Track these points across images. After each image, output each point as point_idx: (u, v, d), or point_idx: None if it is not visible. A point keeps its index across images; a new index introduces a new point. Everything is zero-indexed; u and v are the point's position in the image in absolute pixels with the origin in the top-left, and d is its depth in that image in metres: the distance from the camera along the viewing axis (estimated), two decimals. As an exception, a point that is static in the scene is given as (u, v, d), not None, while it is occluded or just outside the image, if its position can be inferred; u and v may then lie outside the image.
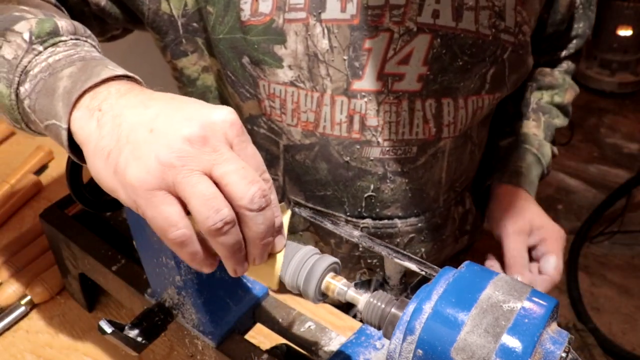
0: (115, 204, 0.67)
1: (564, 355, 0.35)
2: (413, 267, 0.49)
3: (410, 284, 0.72)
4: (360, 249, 0.80)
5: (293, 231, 0.83)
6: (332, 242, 0.81)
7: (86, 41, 0.54)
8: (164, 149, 0.39)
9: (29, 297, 0.81)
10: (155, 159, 0.39)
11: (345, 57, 0.67)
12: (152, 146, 0.39)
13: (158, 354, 0.74)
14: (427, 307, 0.37)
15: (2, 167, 1.04)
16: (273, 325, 0.61)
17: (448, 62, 0.69)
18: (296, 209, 0.56)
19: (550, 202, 2.51)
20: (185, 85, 0.79)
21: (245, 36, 0.67)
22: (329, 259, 0.46)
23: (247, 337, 0.61)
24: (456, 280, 0.39)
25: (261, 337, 0.68)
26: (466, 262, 0.41)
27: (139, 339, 0.55)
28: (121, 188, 0.40)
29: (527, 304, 0.36)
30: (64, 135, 0.45)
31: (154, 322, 0.58)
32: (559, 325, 0.38)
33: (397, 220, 0.79)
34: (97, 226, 0.73)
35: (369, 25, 0.66)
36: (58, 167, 1.06)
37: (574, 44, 0.91)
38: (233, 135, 0.41)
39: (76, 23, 0.55)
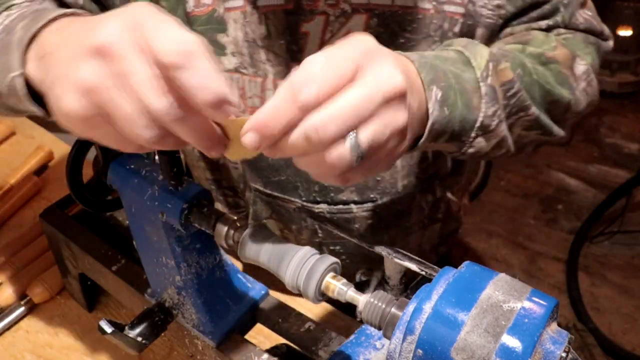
0: (115, 204, 0.67)
1: (563, 355, 0.35)
2: (413, 267, 0.49)
3: (410, 284, 0.72)
4: (321, 235, 0.81)
5: (257, 218, 0.84)
6: (294, 228, 0.82)
7: (42, 3, 0.56)
8: (81, 71, 0.37)
9: (29, 297, 0.81)
10: (75, 87, 0.38)
11: (283, 42, 0.68)
12: (69, 75, 0.38)
13: (158, 354, 0.74)
14: (427, 307, 0.37)
15: (2, 167, 1.04)
16: (273, 325, 0.61)
17: (388, 41, 0.65)
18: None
19: (550, 202, 2.51)
20: None
21: (191, 27, 0.68)
22: (329, 259, 0.46)
23: (247, 337, 0.61)
24: (456, 280, 0.39)
25: (261, 337, 0.68)
26: (466, 262, 0.41)
27: (139, 339, 0.55)
28: (70, 125, 0.40)
29: (527, 304, 0.36)
30: (20, 81, 0.45)
31: (154, 322, 0.58)
32: (559, 325, 0.38)
33: (352, 206, 0.78)
34: (97, 226, 0.73)
35: (304, 10, 0.66)
36: (58, 167, 1.06)
37: (560, 13, 0.70)
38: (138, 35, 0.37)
39: None
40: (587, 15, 0.72)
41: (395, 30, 0.68)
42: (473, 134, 0.56)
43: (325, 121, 0.38)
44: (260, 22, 0.67)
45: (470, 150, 0.58)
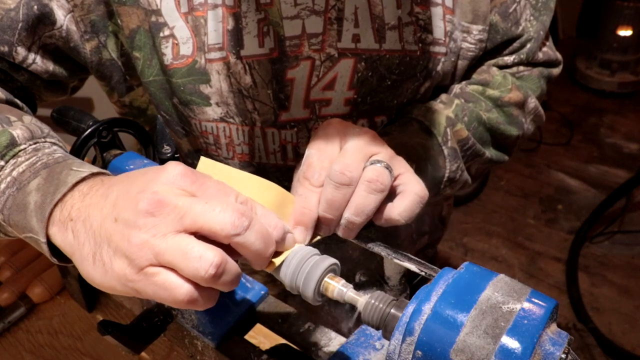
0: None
1: (563, 356, 0.35)
2: (413, 267, 0.49)
3: (409, 285, 0.72)
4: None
5: None
6: None
7: (45, 141, 0.54)
8: (131, 230, 0.39)
9: (29, 297, 0.81)
10: (128, 243, 0.39)
11: (270, 91, 0.67)
12: (122, 234, 0.40)
13: (158, 354, 0.74)
14: (427, 308, 0.37)
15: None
16: (273, 325, 0.61)
17: (376, 84, 0.68)
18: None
19: (550, 202, 2.51)
20: (135, 117, 0.79)
21: (170, 79, 0.67)
22: (329, 260, 0.46)
23: (247, 337, 0.61)
24: (455, 281, 0.39)
25: (261, 337, 0.68)
26: (465, 263, 0.41)
27: (139, 339, 0.55)
28: (116, 283, 0.41)
29: (527, 305, 0.36)
30: (45, 248, 0.46)
31: (154, 322, 0.58)
32: (559, 325, 0.38)
33: None
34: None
35: (288, 56, 0.65)
36: (58, 167, 1.06)
37: (525, 49, 0.76)
38: (187, 184, 0.41)
39: (31, 125, 0.55)
40: (546, 47, 0.80)
41: (383, 73, 0.67)
42: (442, 187, 0.68)
43: (346, 165, 0.49)
44: (245, 72, 0.66)
45: (439, 197, 0.72)
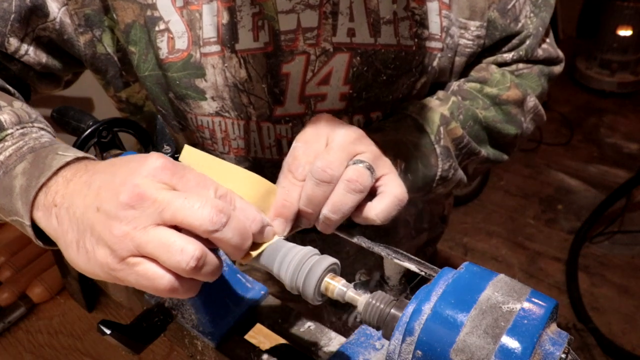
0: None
1: (563, 356, 0.35)
2: (412, 267, 0.49)
3: (409, 285, 0.72)
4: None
5: None
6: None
7: (33, 126, 0.55)
8: (112, 221, 0.40)
9: (29, 297, 0.81)
10: (110, 234, 0.40)
11: (264, 85, 0.67)
12: (103, 223, 0.41)
13: (158, 354, 0.74)
14: (427, 308, 0.37)
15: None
16: (273, 325, 0.61)
17: (372, 79, 0.68)
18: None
19: (550, 202, 2.51)
20: (132, 114, 0.79)
21: (165, 73, 0.67)
22: (329, 260, 0.46)
23: (247, 337, 0.61)
24: (455, 281, 0.39)
25: (261, 337, 0.68)
26: (465, 263, 0.41)
27: (139, 339, 0.55)
28: (99, 270, 0.42)
29: (527, 305, 0.36)
30: (30, 231, 0.47)
31: (154, 322, 0.58)
32: (559, 325, 0.38)
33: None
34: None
35: (283, 51, 0.65)
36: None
37: (525, 46, 0.76)
38: (167, 177, 0.42)
39: (19, 110, 0.56)
40: (546, 44, 0.79)
41: (379, 68, 0.67)
42: (434, 185, 0.68)
43: (329, 162, 0.49)
44: (240, 66, 0.66)
45: (432, 195, 0.72)
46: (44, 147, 0.50)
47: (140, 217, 0.40)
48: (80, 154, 0.49)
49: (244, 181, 0.49)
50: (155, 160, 0.42)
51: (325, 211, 0.50)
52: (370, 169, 0.51)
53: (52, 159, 0.47)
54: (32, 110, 0.57)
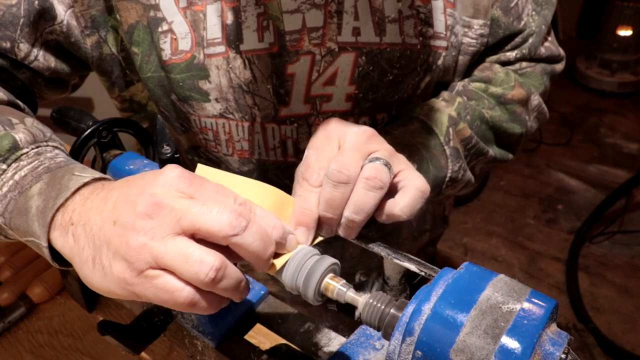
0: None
1: (563, 356, 0.35)
2: (412, 267, 0.49)
3: (409, 285, 0.72)
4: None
5: None
6: None
7: (47, 145, 0.54)
8: (129, 233, 0.39)
9: (29, 297, 0.81)
10: (127, 246, 0.39)
11: (270, 86, 0.66)
12: (120, 236, 0.40)
13: (158, 354, 0.74)
14: (426, 308, 0.37)
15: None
16: (273, 325, 0.61)
17: (377, 79, 0.67)
18: None
19: (550, 202, 2.51)
20: (136, 112, 0.79)
21: (168, 75, 0.67)
22: (329, 260, 0.46)
23: (247, 337, 0.61)
24: (455, 282, 0.39)
25: (261, 337, 0.68)
26: (465, 264, 0.41)
27: (139, 339, 0.55)
28: (116, 286, 0.41)
29: (527, 305, 0.36)
30: (47, 252, 0.46)
31: (154, 322, 0.58)
32: (559, 325, 0.38)
33: None
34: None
35: (288, 51, 0.65)
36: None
37: (527, 44, 0.77)
38: (185, 187, 0.41)
39: (33, 129, 0.54)
40: (548, 42, 0.80)
41: (384, 68, 0.67)
42: (444, 186, 0.68)
43: (343, 163, 0.48)
44: (245, 67, 0.65)
45: (441, 197, 0.72)
46: (60, 167, 0.49)
47: (158, 226, 0.39)
48: (97, 174, 0.48)
49: (259, 193, 0.48)
50: (172, 170, 0.42)
51: (348, 213, 0.48)
52: (388, 165, 0.49)
53: (69, 180, 0.46)
54: (44, 127, 0.57)
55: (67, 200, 0.45)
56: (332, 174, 0.48)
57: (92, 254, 0.42)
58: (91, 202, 0.44)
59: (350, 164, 0.48)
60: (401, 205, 0.50)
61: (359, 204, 0.48)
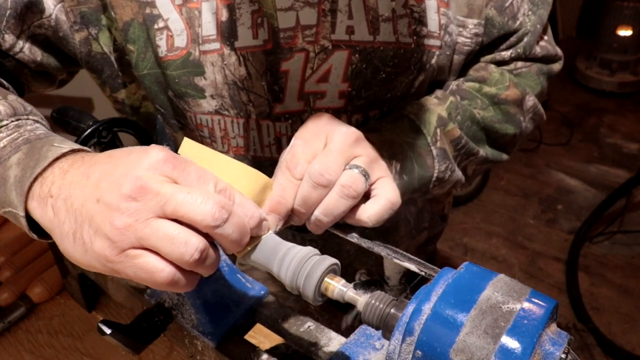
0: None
1: (563, 356, 0.35)
2: (412, 267, 0.49)
3: (409, 285, 0.72)
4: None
5: None
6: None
7: (28, 119, 0.55)
8: (113, 213, 0.40)
9: (29, 297, 0.81)
10: (110, 225, 0.40)
11: (264, 83, 0.67)
12: (103, 215, 0.41)
13: (158, 354, 0.74)
14: (426, 308, 0.37)
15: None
16: (273, 325, 0.61)
17: (370, 77, 0.68)
18: None
19: (550, 202, 2.51)
20: (129, 115, 0.79)
21: (164, 71, 0.67)
22: (329, 260, 0.46)
23: (247, 337, 0.61)
24: (455, 281, 0.39)
25: (261, 337, 0.68)
26: (465, 263, 0.41)
27: (139, 339, 0.56)
28: (96, 262, 0.42)
29: (527, 305, 0.36)
30: (24, 222, 0.47)
31: (154, 322, 0.58)
32: (559, 325, 0.38)
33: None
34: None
35: (282, 48, 0.65)
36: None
37: (522, 43, 0.76)
38: (169, 170, 0.42)
39: (14, 102, 0.56)
40: (544, 42, 0.79)
41: (377, 66, 0.67)
42: (431, 186, 0.68)
43: (327, 167, 0.50)
44: (240, 64, 0.66)
45: (429, 196, 0.73)
46: (39, 139, 0.50)
47: (143, 209, 0.40)
48: (76, 146, 0.49)
49: (241, 174, 0.50)
50: (157, 152, 0.43)
51: (317, 213, 0.52)
52: (365, 174, 0.52)
53: (48, 150, 0.47)
54: (26, 103, 0.57)
55: (44, 170, 0.46)
56: (314, 175, 0.50)
57: (72, 229, 0.43)
58: (72, 176, 0.45)
59: (333, 167, 0.51)
60: (369, 213, 0.53)
61: (329, 207, 0.51)
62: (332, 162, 0.51)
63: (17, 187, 0.46)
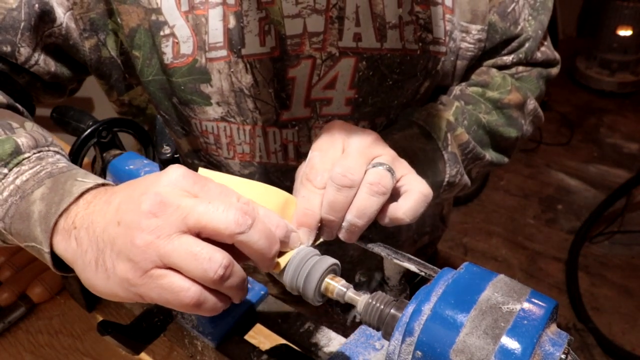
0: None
1: (563, 357, 0.35)
2: (412, 267, 0.49)
3: (409, 285, 0.72)
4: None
5: None
6: None
7: (49, 150, 0.54)
8: (134, 232, 0.39)
9: (29, 297, 0.81)
10: (131, 245, 0.39)
11: (271, 90, 0.67)
12: (125, 236, 0.39)
13: (158, 354, 0.74)
14: (426, 309, 0.37)
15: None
16: (273, 325, 0.61)
17: (377, 83, 0.68)
18: None
19: (550, 202, 2.51)
20: (135, 117, 0.79)
21: (170, 78, 0.67)
22: (329, 260, 0.46)
23: (247, 337, 0.61)
24: (455, 282, 0.39)
25: (261, 337, 0.68)
26: (465, 264, 0.41)
27: (139, 339, 0.55)
28: (119, 288, 0.40)
29: (527, 306, 0.36)
30: (48, 258, 0.46)
31: (154, 322, 0.58)
32: (559, 325, 0.38)
33: None
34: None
35: (289, 55, 0.65)
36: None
37: (524, 48, 0.77)
38: (189, 186, 0.41)
39: (35, 133, 0.54)
40: (544, 47, 0.80)
41: (384, 73, 0.67)
42: (441, 191, 0.68)
43: (348, 167, 0.48)
44: (247, 71, 0.65)
45: (438, 200, 0.73)
46: (62, 173, 0.49)
47: (164, 225, 0.39)
48: (100, 180, 0.48)
49: (263, 192, 0.49)
50: (175, 170, 0.42)
51: (350, 217, 0.48)
52: (391, 170, 0.50)
53: (72, 185, 0.46)
54: (45, 132, 0.56)
55: (70, 205, 0.45)
56: (337, 177, 0.48)
57: (95, 256, 0.41)
58: (94, 206, 0.44)
59: (355, 168, 0.48)
60: (404, 209, 0.50)
61: (362, 208, 0.48)
62: (353, 163, 0.49)
63: (42, 224, 0.45)
